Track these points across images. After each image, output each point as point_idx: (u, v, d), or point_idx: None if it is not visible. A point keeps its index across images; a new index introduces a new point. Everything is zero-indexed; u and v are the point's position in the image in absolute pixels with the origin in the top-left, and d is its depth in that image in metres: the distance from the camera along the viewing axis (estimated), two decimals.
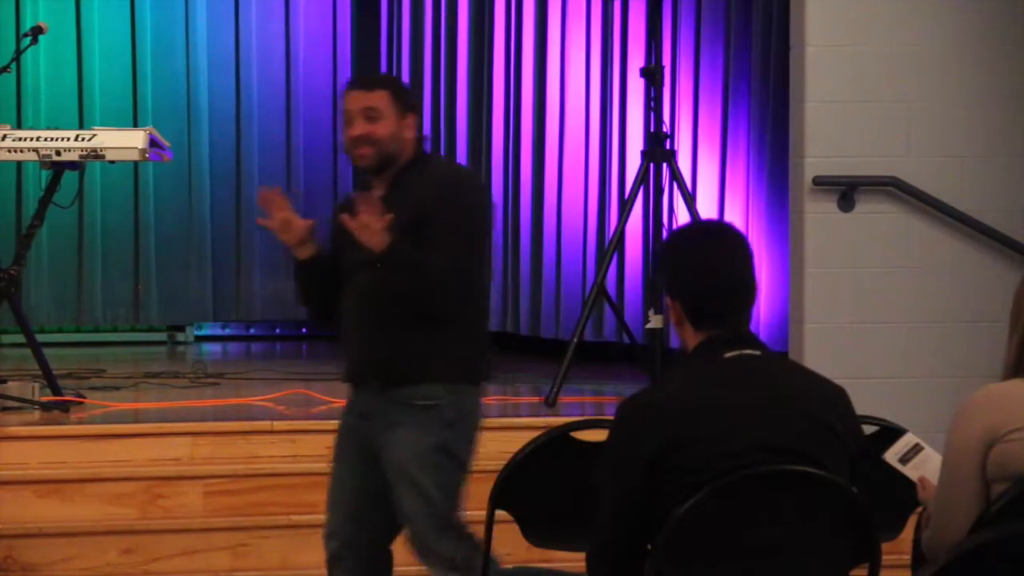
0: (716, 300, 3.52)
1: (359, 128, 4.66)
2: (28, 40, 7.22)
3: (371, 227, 4.46)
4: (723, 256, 3.54)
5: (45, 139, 7.15)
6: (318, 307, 4.92)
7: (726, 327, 3.51)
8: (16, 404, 6.77)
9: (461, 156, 9.84)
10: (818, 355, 6.56)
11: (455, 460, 4.76)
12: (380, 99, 4.67)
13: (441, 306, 4.65)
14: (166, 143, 7.51)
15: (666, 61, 8.16)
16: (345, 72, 10.72)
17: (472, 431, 4.84)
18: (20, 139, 7.20)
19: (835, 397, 3.56)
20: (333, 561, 4.86)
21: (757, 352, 3.51)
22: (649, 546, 3.43)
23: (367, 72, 5.00)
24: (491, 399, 7.55)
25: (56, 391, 6.88)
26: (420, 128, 4.84)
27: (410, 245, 4.53)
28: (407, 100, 4.76)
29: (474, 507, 5.94)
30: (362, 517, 4.82)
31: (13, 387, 6.94)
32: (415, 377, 4.68)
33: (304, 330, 11.01)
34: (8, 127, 7.37)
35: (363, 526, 4.82)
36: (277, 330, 10.99)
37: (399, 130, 4.69)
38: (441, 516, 4.73)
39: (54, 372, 6.95)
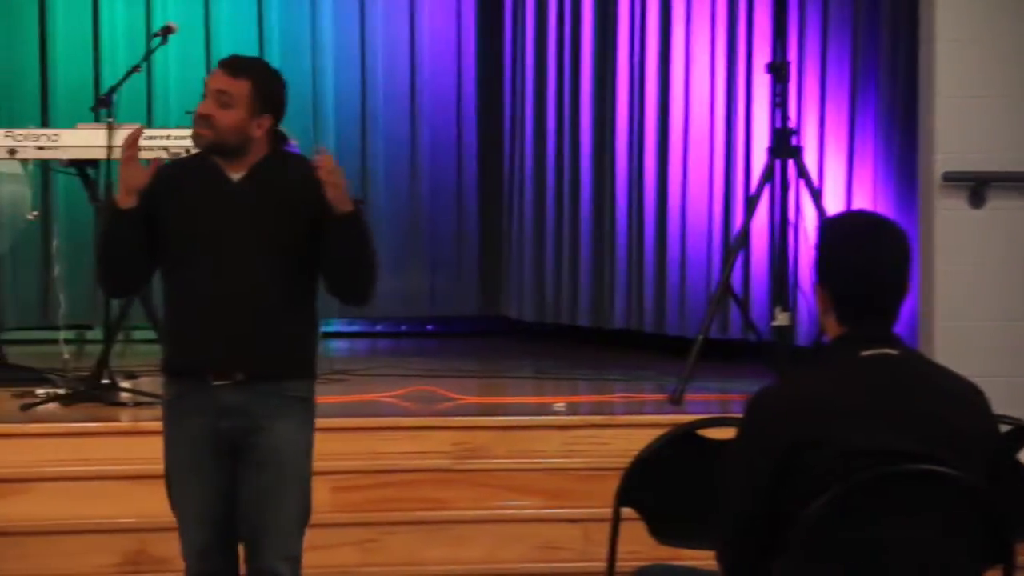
0: (865, 295, 3.46)
1: (205, 107, 4.48)
2: (158, 40, 7.32)
3: (340, 184, 4.36)
4: (880, 252, 3.47)
5: (175, 137, 7.25)
6: (123, 273, 4.60)
7: (870, 324, 3.47)
8: (148, 399, 6.86)
9: (585, 155, 9.83)
10: (949, 353, 6.48)
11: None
12: (239, 87, 4.47)
13: (374, 281, 4.60)
14: (294, 141, 7.56)
15: (792, 56, 8.10)
16: (470, 74, 10.74)
17: None
18: (150, 138, 7.30)
19: (972, 397, 3.51)
20: None
21: (895, 352, 3.46)
22: (777, 544, 3.41)
23: (237, 58, 4.70)
24: (616, 397, 7.55)
25: None
26: (274, 129, 4.60)
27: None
28: (268, 99, 4.54)
29: (599, 504, 5.96)
30: (220, 528, 4.57)
31: (145, 382, 7.03)
32: (293, 372, 4.54)
33: (430, 327, 11.05)
34: (139, 125, 7.46)
35: (224, 539, 4.58)
36: (403, 327, 11.03)
37: (246, 126, 4.49)
38: (308, 513, 4.65)
39: None
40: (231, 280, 4.45)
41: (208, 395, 4.48)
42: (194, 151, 4.67)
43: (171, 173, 4.59)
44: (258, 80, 4.53)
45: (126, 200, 4.42)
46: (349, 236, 4.47)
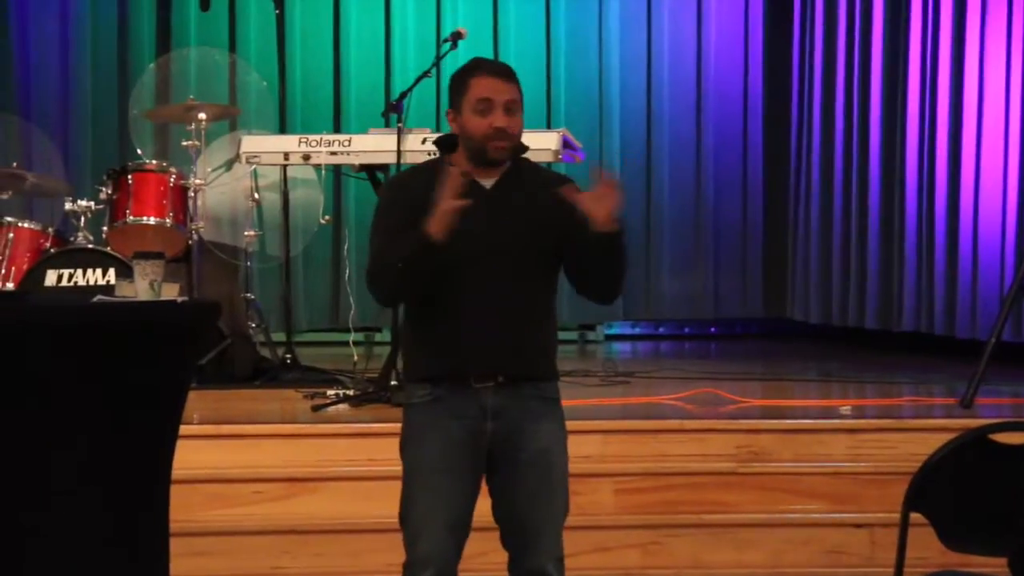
0: None
1: (502, 120, 4.44)
2: (448, 45, 7.41)
3: (609, 202, 4.34)
4: None
5: None
6: (410, 294, 4.52)
7: None
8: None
9: (874, 154, 9.68)
10: None
11: None
12: (518, 93, 4.50)
13: (621, 286, 4.59)
14: (578, 144, 7.60)
15: None
16: (757, 73, 10.68)
17: None
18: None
19: None
20: None
21: None
22: None
23: (502, 64, 4.66)
24: (904, 400, 7.41)
25: None
26: None
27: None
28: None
29: (887, 509, 5.86)
30: (462, 534, 4.49)
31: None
32: (547, 373, 4.55)
33: (713, 329, 11.01)
34: (428, 131, 7.59)
35: (459, 545, 4.49)
36: (686, 329, 11.02)
37: (523, 128, 4.55)
38: (568, 510, 4.58)
39: None
40: (491, 285, 4.45)
41: (469, 398, 4.46)
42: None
43: (420, 182, 4.57)
44: (518, 81, 4.57)
45: (441, 231, 4.35)
46: (607, 254, 4.47)
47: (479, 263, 4.45)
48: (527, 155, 4.63)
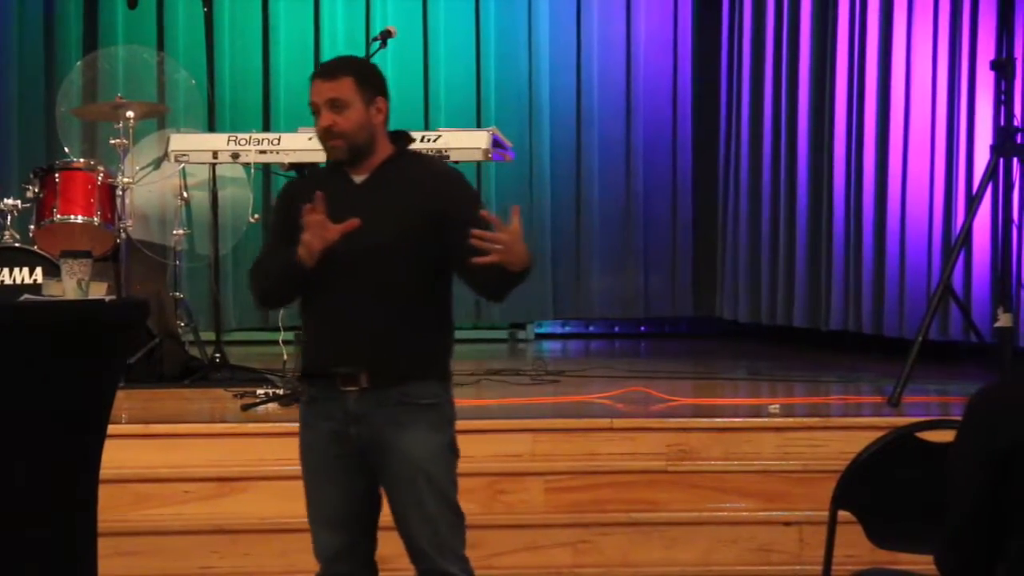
0: None
1: (325, 120, 4.44)
2: (378, 44, 7.39)
3: (519, 244, 4.33)
4: None
5: None
6: (284, 302, 4.74)
7: None
8: None
9: (802, 154, 9.73)
10: None
11: (457, 455, 4.57)
12: (344, 88, 4.44)
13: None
14: (508, 143, 7.60)
15: (1018, 53, 7.93)
16: (686, 72, 10.72)
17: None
18: None
19: None
20: None
21: None
22: (1000, 549, 3.32)
23: (336, 60, 4.66)
24: (832, 398, 7.46)
25: None
26: (400, 132, 4.60)
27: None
28: (373, 82, 4.51)
29: (815, 507, 5.89)
30: (344, 532, 4.52)
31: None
32: (420, 375, 4.47)
33: (643, 328, 11.03)
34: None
35: (345, 543, 4.53)
36: (616, 328, 11.04)
37: (367, 117, 4.46)
38: (457, 512, 4.55)
39: None
40: (357, 284, 4.42)
41: (336, 400, 4.45)
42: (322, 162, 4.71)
43: (303, 186, 4.64)
44: (355, 71, 4.52)
45: (312, 260, 4.39)
46: (511, 283, 4.50)
47: (346, 261, 4.40)
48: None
